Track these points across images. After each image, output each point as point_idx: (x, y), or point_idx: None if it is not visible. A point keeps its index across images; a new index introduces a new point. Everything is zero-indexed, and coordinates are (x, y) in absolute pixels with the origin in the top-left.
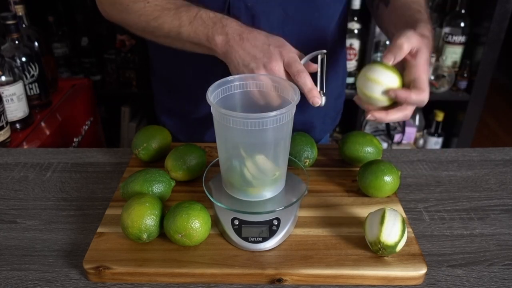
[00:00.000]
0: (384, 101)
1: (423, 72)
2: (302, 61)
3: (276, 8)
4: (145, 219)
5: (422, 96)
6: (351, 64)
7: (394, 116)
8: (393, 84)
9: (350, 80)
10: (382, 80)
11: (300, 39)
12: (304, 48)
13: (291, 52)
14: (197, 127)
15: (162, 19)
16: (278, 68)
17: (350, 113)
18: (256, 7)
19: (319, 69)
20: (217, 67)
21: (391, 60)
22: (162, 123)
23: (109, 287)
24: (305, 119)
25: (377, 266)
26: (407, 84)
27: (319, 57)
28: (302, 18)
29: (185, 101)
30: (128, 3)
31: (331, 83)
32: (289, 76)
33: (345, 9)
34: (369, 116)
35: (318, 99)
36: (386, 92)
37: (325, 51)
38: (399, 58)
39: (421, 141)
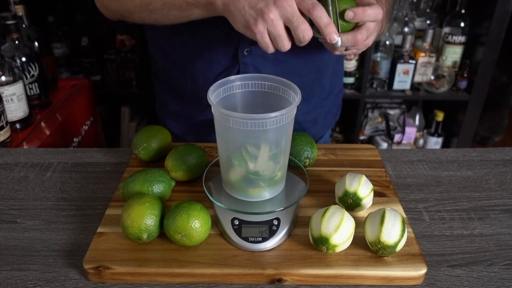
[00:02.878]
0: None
1: None
2: None
3: None
4: (145, 219)
5: (374, 9)
6: (351, 64)
7: (360, 34)
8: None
9: (350, 80)
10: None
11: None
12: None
13: None
14: (203, 129)
15: None
16: (291, 2)
17: (350, 113)
18: None
19: (331, 10)
20: (231, 71)
21: None
22: (167, 126)
23: (109, 287)
24: (309, 115)
25: (377, 266)
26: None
27: (330, 1)
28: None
29: (190, 104)
30: None
31: (334, 85)
32: (303, 14)
33: None
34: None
35: (336, 34)
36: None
37: None
38: None
39: (421, 141)
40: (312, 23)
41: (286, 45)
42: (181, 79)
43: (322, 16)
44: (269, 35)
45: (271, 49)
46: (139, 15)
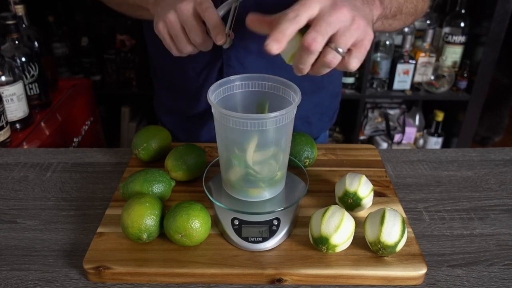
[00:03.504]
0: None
1: None
2: (219, 12)
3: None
4: (145, 219)
5: (288, 12)
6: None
7: (307, 36)
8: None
9: (350, 80)
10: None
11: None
12: None
13: None
14: (194, 123)
15: None
16: (187, 8)
17: (350, 113)
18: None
19: (231, 14)
20: (215, 64)
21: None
22: (162, 121)
23: (109, 287)
24: (300, 114)
25: (377, 266)
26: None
27: (233, 5)
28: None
29: (183, 98)
30: None
31: (328, 82)
32: (199, 19)
33: None
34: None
35: (222, 36)
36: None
37: None
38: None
39: (421, 141)
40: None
41: (185, 47)
42: (172, 72)
43: (212, 18)
44: (170, 36)
45: (173, 51)
46: (111, 5)
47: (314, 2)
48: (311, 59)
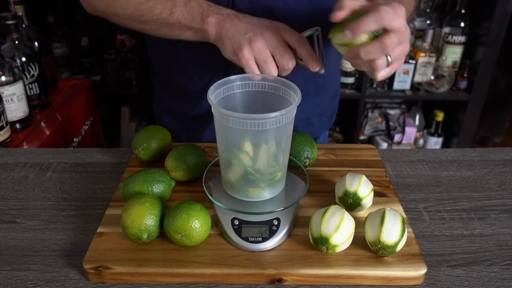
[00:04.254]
0: (361, 40)
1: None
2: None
3: (281, 2)
4: (145, 219)
5: (372, 15)
6: (351, 64)
7: (368, 46)
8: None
9: (350, 80)
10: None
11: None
12: None
13: (286, 26)
14: (195, 124)
15: (154, 1)
16: (275, 36)
17: (350, 113)
18: (260, 1)
19: (316, 45)
20: (216, 65)
21: (338, 17)
22: (161, 122)
23: (109, 287)
24: (300, 114)
25: (377, 266)
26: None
27: (315, 35)
28: (306, 12)
29: (185, 99)
30: None
31: (329, 84)
32: (287, 45)
33: None
34: (345, 56)
35: (317, 64)
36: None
37: (319, 27)
38: (346, 7)
39: (421, 141)
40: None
41: (273, 71)
42: (175, 73)
43: (305, 47)
44: (256, 62)
45: (256, 76)
46: (127, 22)
47: (401, 18)
48: (379, 56)
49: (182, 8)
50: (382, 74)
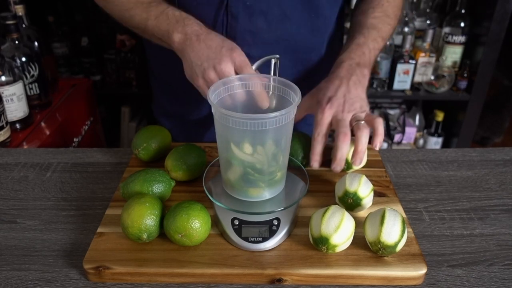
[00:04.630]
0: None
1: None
2: (254, 66)
3: (275, 7)
4: (145, 219)
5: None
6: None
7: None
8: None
9: None
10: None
11: (298, 39)
12: (302, 48)
13: (242, 56)
14: (196, 128)
15: (133, 11)
16: (228, 69)
17: None
18: (255, 5)
19: (272, 73)
20: None
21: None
22: (161, 124)
23: (109, 287)
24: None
25: (377, 266)
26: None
27: (273, 61)
28: (299, 18)
29: (183, 102)
30: None
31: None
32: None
33: (342, 10)
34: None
35: (267, 102)
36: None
37: (277, 56)
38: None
39: (421, 141)
40: None
41: (225, 100)
42: (174, 77)
43: (255, 86)
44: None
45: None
46: (121, 23)
47: (327, 115)
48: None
49: (154, 22)
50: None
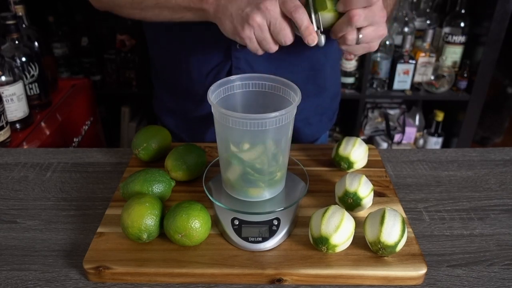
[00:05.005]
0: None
1: None
2: None
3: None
4: (145, 219)
5: None
6: (351, 64)
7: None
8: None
9: (350, 80)
10: None
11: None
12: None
13: None
14: (198, 125)
15: None
16: (273, 7)
17: (350, 113)
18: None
19: (314, 12)
20: (224, 66)
21: None
22: (162, 122)
23: (109, 287)
24: (300, 114)
25: (377, 266)
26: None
27: (311, 3)
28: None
29: (185, 99)
30: None
31: (330, 84)
32: (285, 17)
33: None
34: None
35: (315, 37)
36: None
37: None
38: None
39: (421, 141)
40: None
41: (272, 47)
42: (176, 74)
43: (303, 19)
44: (256, 38)
45: (260, 52)
46: (129, 11)
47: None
48: (347, 29)
49: None
50: (357, 53)
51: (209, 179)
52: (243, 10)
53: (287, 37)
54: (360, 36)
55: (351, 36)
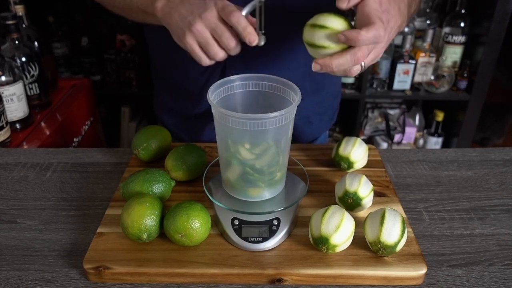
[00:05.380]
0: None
1: (373, 7)
2: (243, 12)
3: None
4: (145, 219)
5: (372, 31)
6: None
7: (340, 59)
8: (340, 27)
9: (350, 80)
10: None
11: (295, 38)
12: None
13: (225, 1)
14: (196, 124)
15: None
16: (212, 15)
17: (350, 114)
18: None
19: (257, 16)
20: (218, 64)
21: (344, 4)
22: (162, 121)
23: (109, 287)
24: (301, 114)
25: (377, 266)
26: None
27: (257, 6)
28: (298, 16)
29: (185, 98)
30: None
31: (328, 82)
32: (226, 24)
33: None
34: (313, 66)
35: (255, 36)
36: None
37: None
38: (353, 1)
39: (421, 141)
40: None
41: (218, 53)
42: (174, 72)
43: (240, 21)
44: (200, 46)
45: (204, 60)
46: (111, 8)
47: (382, 35)
48: (351, 66)
49: None
50: (355, 73)
51: (209, 179)
52: (186, 18)
53: (230, 40)
54: (363, 64)
55: (355, 68)
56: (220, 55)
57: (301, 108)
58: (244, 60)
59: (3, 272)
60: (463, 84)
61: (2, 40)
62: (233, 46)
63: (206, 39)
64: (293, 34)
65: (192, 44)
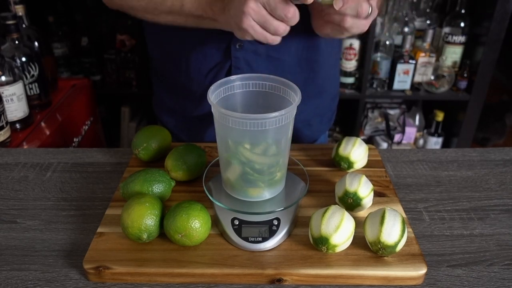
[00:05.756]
0: None
1: None
2: None
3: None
4: (145, 219)
5: None
6: (351, 64)
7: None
8: None
9: (350, 80)
10: None
11: (295, 40)
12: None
13: None
14: (197, 125)
15: None
16: None
17: (350, 113)
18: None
19: None
20: (223, 66)
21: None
22: (162, 122)
23: (109, 287)
24: (300, 115)
25: (377, 266)
26: None
27: None
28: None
29: (185, 99)
30: None
31: (329, 85)
32: None
33: None
34: (335, 3)
35: None
36: None
37: None
38: None
39: (421, 141)
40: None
41: (278, 27)
42: (176, 73)
43: None
44: (258, 24)
45: (270, 38)
46: (142, 14)
47: None
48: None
49: (191, 0)
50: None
51: (209, 179)
52: (238, 7)
53: (286, 10)
54: (373, 5)
55: (365, 7)
56: (282, 27)
57: (302, 112)
58: (249, 62)
59: (3, 272)
60: (463, 84)
61: (2, 40)
62: (291, 16)
63: (263, 16)
64: (300, 39)
65: (253, 26)
